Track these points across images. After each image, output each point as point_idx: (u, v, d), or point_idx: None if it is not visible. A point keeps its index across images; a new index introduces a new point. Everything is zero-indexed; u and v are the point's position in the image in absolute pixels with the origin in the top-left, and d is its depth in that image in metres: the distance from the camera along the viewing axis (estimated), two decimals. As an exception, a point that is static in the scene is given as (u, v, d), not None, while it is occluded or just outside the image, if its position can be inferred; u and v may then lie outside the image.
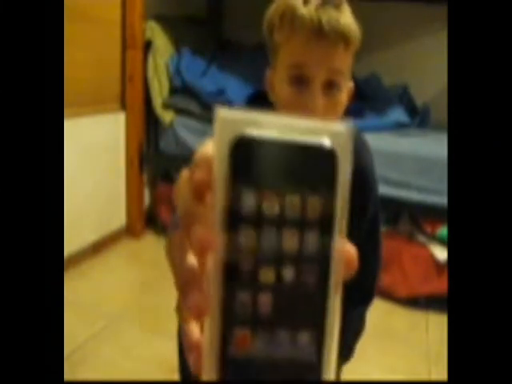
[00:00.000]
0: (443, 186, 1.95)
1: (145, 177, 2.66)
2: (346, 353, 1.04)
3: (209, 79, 2.51)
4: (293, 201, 0.24)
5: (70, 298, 1.23)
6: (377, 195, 0.97)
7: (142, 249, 2.54)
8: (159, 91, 2.51)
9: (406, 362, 1.76)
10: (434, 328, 1.95)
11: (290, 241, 0.24)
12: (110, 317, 1.90)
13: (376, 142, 0.98)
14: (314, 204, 0.24)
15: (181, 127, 2.48)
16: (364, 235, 0.96)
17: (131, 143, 2.54)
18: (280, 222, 0.24)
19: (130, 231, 2.60)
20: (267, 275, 0.24)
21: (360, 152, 0.93)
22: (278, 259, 0.24)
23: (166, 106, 2.52)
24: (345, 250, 0.25)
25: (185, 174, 0.27)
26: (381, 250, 1.02)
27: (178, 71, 2.51)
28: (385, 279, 2.02)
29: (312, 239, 0.24)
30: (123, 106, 2.50)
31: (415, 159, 2.12)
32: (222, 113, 0.24)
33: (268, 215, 0.24)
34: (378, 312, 1.70)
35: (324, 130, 0.24)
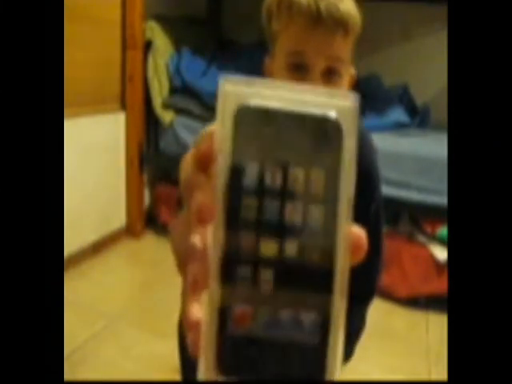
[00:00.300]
0: (443, 185, 1.95)
1: (145, 177, 2.66)
2: (346, 352, 1.03)
3: (209, 79, 2.51)
4: (296, 173, 0.23)
5: (70, 298, 1.23)
6: (380, 194, 0.97)
7: (142, 249, 2.53)
8: (159, 91, 2.51)
9: (406, 361, 1.76)
10: (434, 328, 1.94)
11: (292, 214, 0.23)
12: (110, 317, 1.89)
13: (376, 141, 0.97)
14: (318, 177, 0.23)
15: (181, 127, 2.48)
16: (366, 234, 0.96)
17: (131, 143, 2.54)
18: (283, 195, 0.23)
19: (130, 231, 2.60)
20: (269, 248, 0.23)
21: (365, 151, 0.93)
22: (280, 232, 0.23)
23: (166, 105, 2.51)
24: (352, 231, 0.24)
25: (190, 151, 0.27)
26: (383, 249, 1.02)
27: (177, 71, 2.51)
28: (385, 279, 2.01)
29: (316, 214, 0.23)
30: (123, 106, 2.49)
31: (415, 159, 2.12)
32: (227, 83, 0.24)
33: (270, 187, 0.23)
34: (377, 312, 1.70)
35: (330, 102, 0.24)
